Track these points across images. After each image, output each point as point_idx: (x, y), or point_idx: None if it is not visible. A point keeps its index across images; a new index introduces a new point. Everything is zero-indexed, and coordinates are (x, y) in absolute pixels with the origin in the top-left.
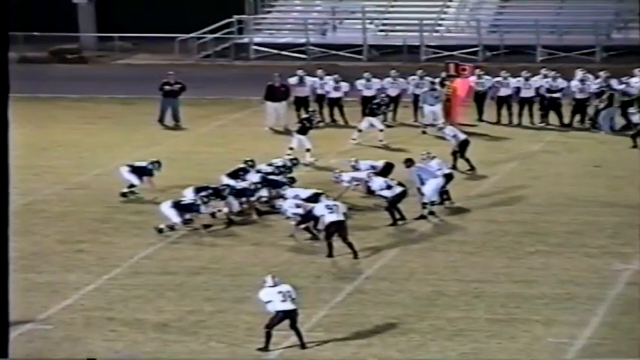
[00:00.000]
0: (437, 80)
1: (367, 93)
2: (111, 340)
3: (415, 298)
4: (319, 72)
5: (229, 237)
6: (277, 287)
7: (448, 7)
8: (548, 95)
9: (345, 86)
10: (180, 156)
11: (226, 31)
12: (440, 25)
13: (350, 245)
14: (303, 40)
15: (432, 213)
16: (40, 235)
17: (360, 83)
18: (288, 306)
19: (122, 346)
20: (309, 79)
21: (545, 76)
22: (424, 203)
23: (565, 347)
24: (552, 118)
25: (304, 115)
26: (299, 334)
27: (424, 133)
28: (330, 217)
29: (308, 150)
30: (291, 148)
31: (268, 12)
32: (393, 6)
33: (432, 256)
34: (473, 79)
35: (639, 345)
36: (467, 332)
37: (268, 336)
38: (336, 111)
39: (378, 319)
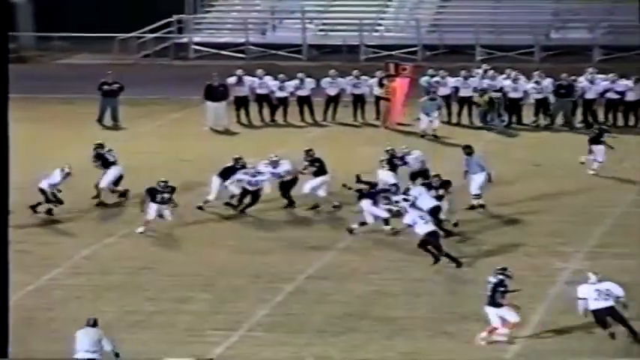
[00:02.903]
0: (374, 80)
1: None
2: (51, 341)
3: (356, 297)
4: (259, 71)
5: (169, 237)
6: (597, 285)
7: (387, 6)
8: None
9: (289, 85)
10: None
11: (166, 30)
12: (379, 24)
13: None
14: (242, 40)
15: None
16: None
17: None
18: (601, 304)
19: (62, 346)
20: (248, 79)
21: (484, 75)
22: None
23: (505, 346)
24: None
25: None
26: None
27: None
28: (424, 228)
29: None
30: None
31: (208, 12)
32: (332, 6)
33: (373, 255)
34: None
35: (579, 343)
36: (408, 331)
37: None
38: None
39: (319, 318)
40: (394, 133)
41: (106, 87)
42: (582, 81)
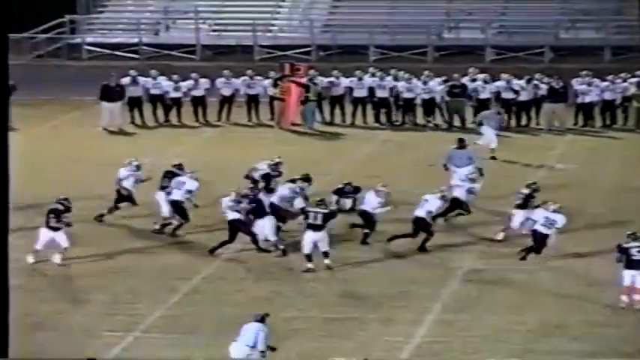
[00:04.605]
0: (269, 80)
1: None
2: None
3: (252, 298)
4: (152, 72)
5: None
6: (550, 213)
7: (281, 7)
8: (377, 95)
9: (184, 86)
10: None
11: (58, 30)
12: (273, 25)
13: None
14: (135, 40)
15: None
16: None
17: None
18: (543, 230)
19: None
20: (141, 79)
21: (373, 75)
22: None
23: (400, 346)
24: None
25: None
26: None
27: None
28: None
29: None
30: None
31: (101, 12)
32: (225, 6)
33: (268, 256)
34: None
35: (475, 342)
36: (303, 331)
37: None
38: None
39: (215, 319)
40: (288, 134)
41: None
42: (468, 82)
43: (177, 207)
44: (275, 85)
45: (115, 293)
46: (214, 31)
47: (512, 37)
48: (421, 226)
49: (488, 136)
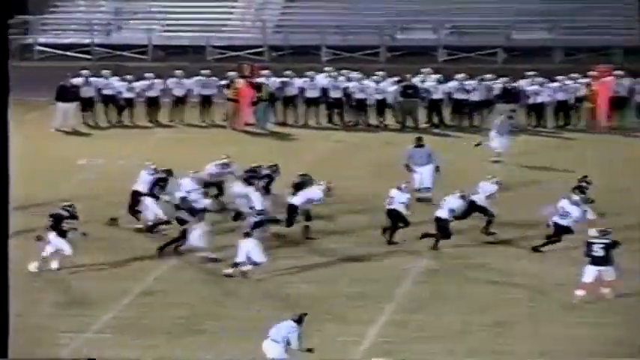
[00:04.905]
0: (224, 82)
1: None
2: None
3: (201, 299)
4: (104, 72)
5: (20, 236)
6: (567, 205)
7: (234, 7)
8: (332, 95)
9: (138, 86)
10: None
11: (10, 31)
12: (225, 25)
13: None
14: (87, 41)
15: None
16: None
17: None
18: (560, 221)
19: None
20: (94, 80)
21: (330, 76)
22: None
23: (354, 346)
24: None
25: None
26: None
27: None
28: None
29: None
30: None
31: (52, 12)
32: (178, 6)
33: (219, 257)
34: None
35: (429, 342)
36: (256, 332)
37: None
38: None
39: (166, 320)
40: (242, 134)
41: None
42: (427, 82)
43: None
44: (228, 87)
45: (68, 294)
46: (166, 31)
47: (465, 37)
48: (440, 226)
49: (498, 141)
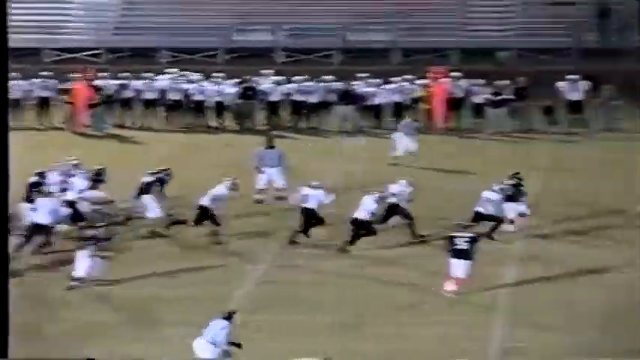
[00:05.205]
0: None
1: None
2: None
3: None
4: None
5: None
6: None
7: (70, 8)
8: (172, 98)
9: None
10: None
11: None
12: (62, 27)
13: None
14: None
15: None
16: None
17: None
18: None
19: None
20: None
21: (175, 78)
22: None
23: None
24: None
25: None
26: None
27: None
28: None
29: None
30: None
31: None
32: (13, 7)
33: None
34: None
35: (271, 343)
36: (96, 337)
37: None
38: None
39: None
40: (79, 137)
41: None
42: (265, 83)
43: None
44: (66, 90)
45: None
46: None
47: (302, 39)
48: (360, 227)
49: (404, 143)
